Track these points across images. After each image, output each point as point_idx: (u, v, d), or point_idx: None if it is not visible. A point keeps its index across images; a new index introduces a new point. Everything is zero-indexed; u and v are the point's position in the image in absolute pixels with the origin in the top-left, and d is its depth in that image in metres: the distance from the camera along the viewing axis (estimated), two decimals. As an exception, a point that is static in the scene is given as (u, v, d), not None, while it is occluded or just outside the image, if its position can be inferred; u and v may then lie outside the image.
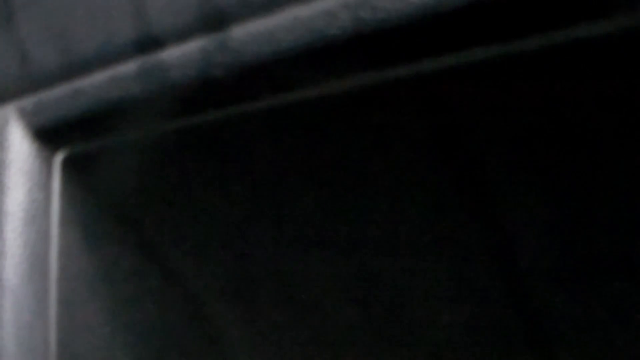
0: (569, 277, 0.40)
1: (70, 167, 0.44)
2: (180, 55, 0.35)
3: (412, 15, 0.29)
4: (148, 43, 0.36)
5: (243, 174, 0.44)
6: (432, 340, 0.45)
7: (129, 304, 0.46)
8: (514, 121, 0.36)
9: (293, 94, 0.35)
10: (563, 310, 0.41)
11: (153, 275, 0.47)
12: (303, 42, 0.32)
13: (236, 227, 0.47)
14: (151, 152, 0.43)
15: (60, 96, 0.41)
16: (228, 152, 0.43)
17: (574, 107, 0.35)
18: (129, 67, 0.38)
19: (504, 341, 0.43)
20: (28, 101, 0.42)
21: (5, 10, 0.43)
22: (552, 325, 0.41)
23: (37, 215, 0.42)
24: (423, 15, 0.29)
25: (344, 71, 0.33)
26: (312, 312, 0.48)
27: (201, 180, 0.45)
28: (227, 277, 0.49)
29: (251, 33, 0.33)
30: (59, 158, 0.43)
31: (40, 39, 0.41)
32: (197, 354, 0.49)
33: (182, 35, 0.35)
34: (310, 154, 0.42)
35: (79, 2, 0.39)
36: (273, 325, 0.49)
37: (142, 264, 0.47)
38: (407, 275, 0.44)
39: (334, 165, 0.42)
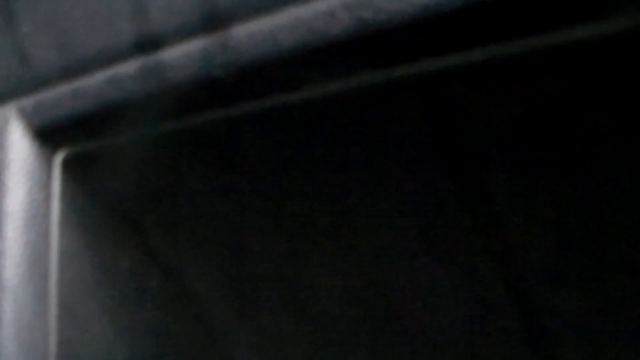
0: (569, 277, 0.40)
1: (70, 167, 0.44)
2: (180, 55, 0.35)
3: (413, 15, 0.29)
4: (148, 43, 0.36)
5: (243, 174, 0.44)
6: (432, 340, 0.45)
7: (129, 304, 0.46)
8: (514, 121, 0.36)
9: (293, 94, 0.35)
10: (563, 310, 0.41)
11: (153, 275, 0.47)
12: (303, 42, 0.32)
13: (236, 227, 0.47)
14: (151, 152, 0.43)
15: (60, 96, 0.41)
16: (228, 152, 0.43)
17: (574, 107, 0.35)
18: (129, 67, 0.38)
19: (504, 341, 0.43)
20: (28, 101, 0.42)
21: (5, 10, 0.43)
22: (552, 325, 0.41)
23: (37, 215, 0.42)
24: (424, 15, 0.29)
25: (344, 71, 0.33)
26: (312, 311, 0.48)
27: (201, 180, 0.45)
28: (227, 277, 0.49)
29: (251, 33, 0.33)
30: (59, 158, 0.43)
31: (40, 39, 0.41)
32: (197, 354, 0.49)
33: (182, 35, 0.35)
34: (310, 154, 0.42)
35: (79, 2, 0.39)
36: (273, 325, 0.49)
37: (142, 264, 0.47)
38: (407, 275, 0.44)
39: (334, 166, 0.42)
